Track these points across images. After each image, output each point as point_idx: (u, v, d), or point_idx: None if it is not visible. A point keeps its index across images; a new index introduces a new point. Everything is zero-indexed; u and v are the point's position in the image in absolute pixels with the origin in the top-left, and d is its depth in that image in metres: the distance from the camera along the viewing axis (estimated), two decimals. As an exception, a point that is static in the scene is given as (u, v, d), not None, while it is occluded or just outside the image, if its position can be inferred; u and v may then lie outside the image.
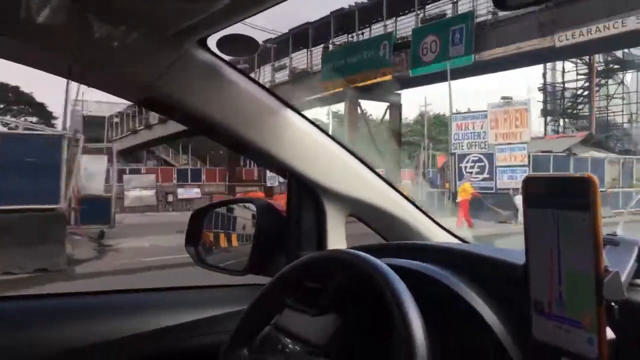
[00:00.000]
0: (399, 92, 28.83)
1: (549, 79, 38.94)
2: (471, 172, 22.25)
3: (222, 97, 1.30)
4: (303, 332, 1.18)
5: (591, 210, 0.69)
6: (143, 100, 1.33)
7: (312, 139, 1.44)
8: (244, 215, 1.60)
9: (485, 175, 22.55)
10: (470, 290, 1.02)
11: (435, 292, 1.04)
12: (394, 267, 1.00)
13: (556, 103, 38.81)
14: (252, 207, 1.57)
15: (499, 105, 23.90)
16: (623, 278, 0.77)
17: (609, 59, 35.82)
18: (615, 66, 36.53)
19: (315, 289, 1.16)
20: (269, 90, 1.36)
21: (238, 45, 1.26)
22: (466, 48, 24.05)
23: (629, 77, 37.09)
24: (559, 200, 0.73)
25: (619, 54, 34.68)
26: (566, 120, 38.61)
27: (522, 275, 0.80)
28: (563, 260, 0.74)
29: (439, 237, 1.59)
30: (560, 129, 37.68)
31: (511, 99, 24.21)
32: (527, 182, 0.78)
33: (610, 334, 0.71)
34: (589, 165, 23.25)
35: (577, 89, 37.71)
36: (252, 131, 1.35)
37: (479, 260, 1.11)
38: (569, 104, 38.16)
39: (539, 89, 38.89)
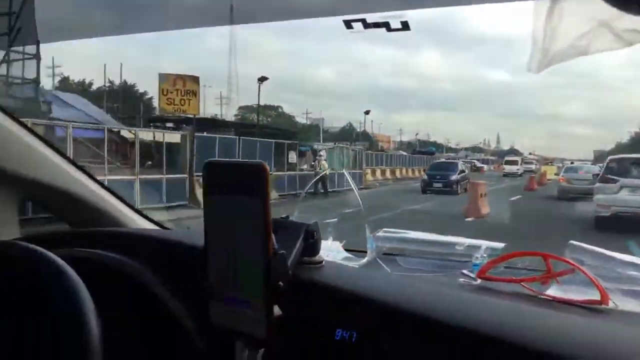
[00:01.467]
0: None
1: None
2: None
3: None
4: None
5: (262, 195, 0.72)
6: None
7: None
8: None
9: None
10: (153, 277, 0.98)
11: (117, 281, 0.98)
12: (69, 258, 0.90)
13: None
14: None
15: None
16: (290, 258, 0.84)
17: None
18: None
19: None
20: None
21: None
22: None
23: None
24: (235, 185, 0.74)
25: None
26: None
27: (200, 261, 0.80)
28: (238, 244, 0.76)
29: (136, 222, 1.51)
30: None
31: None
32: (207, 167, 0.78)
33: (277, 311, 0.76)
34: None
35: None
36: None
37: (165, 246, 1.08)
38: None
39: None
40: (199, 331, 0.93)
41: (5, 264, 0.95)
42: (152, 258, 1.03)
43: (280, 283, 0.76)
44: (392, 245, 1.25)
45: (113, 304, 0.89)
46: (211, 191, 0.77)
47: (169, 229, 1.55)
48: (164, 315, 0.95)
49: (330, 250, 1.22)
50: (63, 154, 1.38)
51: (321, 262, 0.97)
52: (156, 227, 1.53)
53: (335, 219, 1.29)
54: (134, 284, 0.98)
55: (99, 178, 1.52)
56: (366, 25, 0.91)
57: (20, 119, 1.28)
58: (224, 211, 0.76)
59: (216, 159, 0.78)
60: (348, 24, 0.92)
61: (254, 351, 0.80)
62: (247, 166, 0.74)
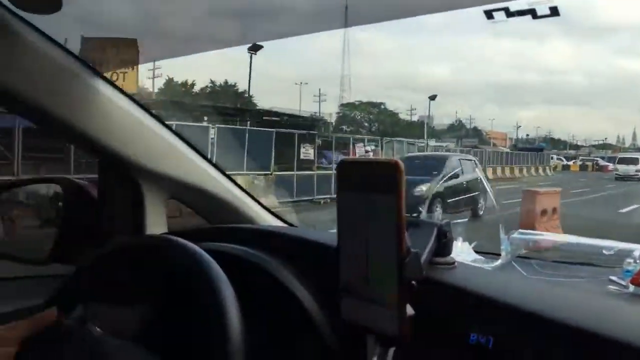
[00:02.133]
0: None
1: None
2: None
3: (18, 59, 1.11)
4: (111, 323, 1.09)
5: (396, 193, 0.72)
6: None
7: (126, 113, 1.30)
8: (47, 197, 1.42)
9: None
10: (288, 273, 1.02)
11: (254, 276, 1.02)
12: (212, 252, 0.96)
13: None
14: (58, 188, 1.39)
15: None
16: (423, 258, 0.82)
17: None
18: None
19: (127, 277, 1.07)
20: (75, 56, 1.19)
21: (35, 0, 1.08)
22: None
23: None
24: (368, 183, 0.75)
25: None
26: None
27: (333, 257, 0.81)
28: (370, 241, 0.76)
29: (265, 219, 1.58)
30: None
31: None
32: (341, 165, 0.79)
33: (410, 310, 0.75)
34: None
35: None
36: (53, 100, 1.17)
37: (298, 243, 1.12)
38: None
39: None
40: (331, 327, 0.95)
41: (155, 256, 1.04)
42: (285, 254, 1.07)
43: (414, 282, 0.75)
44: (528, 248, 1.18)
45: (249, 296, 0.94)
46: (343, 188, 0.78)
47: (296, 226, 1.61)
48: (296, 310, 0.98)
49: (460, 252, 1.18)
50: (202, 154, 1.49)
51: (453, 263, 0.94)
52: (284, 225, 1.59)
53: (466, 219, 1.24)
54: (269, 279, 1.02)
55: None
56: (509, 14, 0.86)
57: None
58: (356, 208, 0.77)
59: (349, 157, 0.78)
60: (489, 14, 0.87)
61: (385, 349, 0.79)
62: (380, 163, 0.74)
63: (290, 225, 1.61)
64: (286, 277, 1.01)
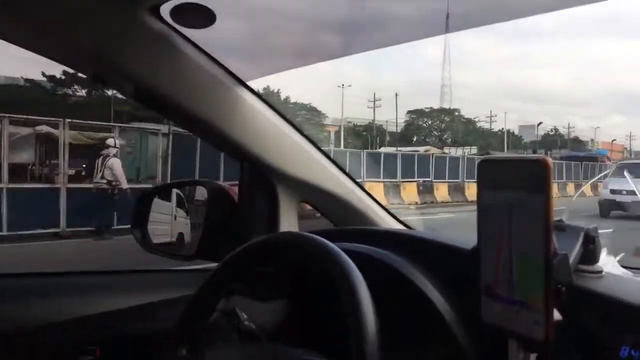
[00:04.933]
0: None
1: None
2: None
3: (173, 69, 1.24)
4: (251, 317, 1.16)
5: (544, 192, 0.70)
6: (89, 69, 1.26)
7: (267, 120, 1.40)
8: (194, 198, 1.56)
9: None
10: (420, 275, 1.02)
11: (385, 276, 1.04)
12: (345, 251, 1.00)
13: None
14: (204, 190, 1.52)
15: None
16: (570, 262, 0.79)
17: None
18: None
19: (265, 273, 1.14)
20: (224, 67, 1.31)
21: (193, 15, 1.20)
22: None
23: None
24: (512, 182, 0.73)
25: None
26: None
27: (472, 258, 0.80)
28: (514, 242, 0.74)
29: (388, 222, 1.60)
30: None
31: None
32: (482, 164, 0.78)
33: (557, 315, 0.72)
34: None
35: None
36: (204, 108, 1.29)
37: (428, 245, 1.12)
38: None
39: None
40: (464, 329, 0.94)
41: (294, 250, 1.09)
42: (414, 254, 1.07)
43: (561, 286, 0.73)
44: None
45: (379, 294, 0.96)
46: (484, 187, 0.77)
47: (413, 229, 1.60)
48: (428, 310, 0.98)
49: (604, 265, 1.11)
50: (332, 159, 1.55)
51: (601, 271, 0.89)
52: (403, 227, 1.59)
53: (611, 230, 1.16)
54: (398, 278, 1.03)
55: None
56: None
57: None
58: (498, 209, 0.76)
59: (490, 156, 0.78)
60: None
61: (528, 354, 0.77)
62: (527, 161, 0.73)
63: (410, 228, 1.61)
64: (418, 278, 1.02)
